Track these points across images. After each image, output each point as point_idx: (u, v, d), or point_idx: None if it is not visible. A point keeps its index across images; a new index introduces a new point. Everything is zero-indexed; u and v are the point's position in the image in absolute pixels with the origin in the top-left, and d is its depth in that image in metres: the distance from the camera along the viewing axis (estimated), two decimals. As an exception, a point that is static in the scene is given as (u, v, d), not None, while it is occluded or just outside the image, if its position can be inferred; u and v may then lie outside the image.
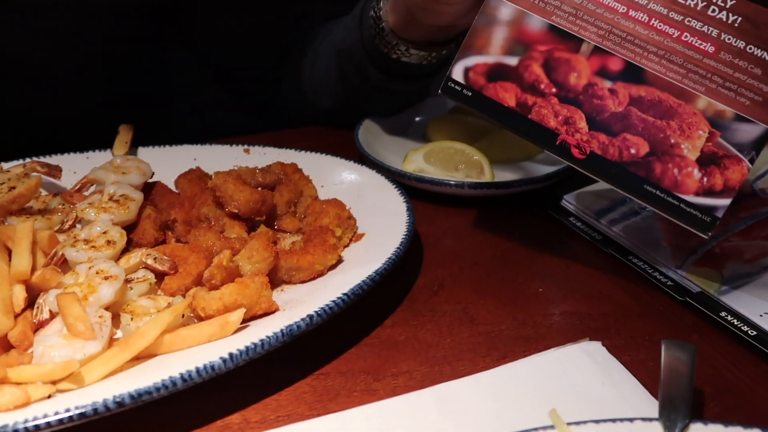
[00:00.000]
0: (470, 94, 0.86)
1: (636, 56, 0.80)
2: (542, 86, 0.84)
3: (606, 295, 0.86)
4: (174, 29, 1.27)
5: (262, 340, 0.69)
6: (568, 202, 1.00)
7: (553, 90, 0.83)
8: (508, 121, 0.84)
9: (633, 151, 0.79)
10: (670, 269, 0.87)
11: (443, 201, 1.05)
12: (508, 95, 0.84)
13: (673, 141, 0.78)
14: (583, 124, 0.81)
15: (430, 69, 1.14)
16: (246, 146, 1.08)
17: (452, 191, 1.02)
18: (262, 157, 1.06)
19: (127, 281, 0.78)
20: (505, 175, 1.09)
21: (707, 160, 0.77)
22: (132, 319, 0.73)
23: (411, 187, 1.02)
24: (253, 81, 1.37)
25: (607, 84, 0.81)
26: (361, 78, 1.16)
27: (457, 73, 0.87)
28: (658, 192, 0.78)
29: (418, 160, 1.09)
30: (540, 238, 0.97)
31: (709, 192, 0.77)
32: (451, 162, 1.09)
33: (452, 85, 0.87)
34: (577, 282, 0.88)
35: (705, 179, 0.77)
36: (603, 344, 0.75)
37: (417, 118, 1.26)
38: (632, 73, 0.80)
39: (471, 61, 0.87)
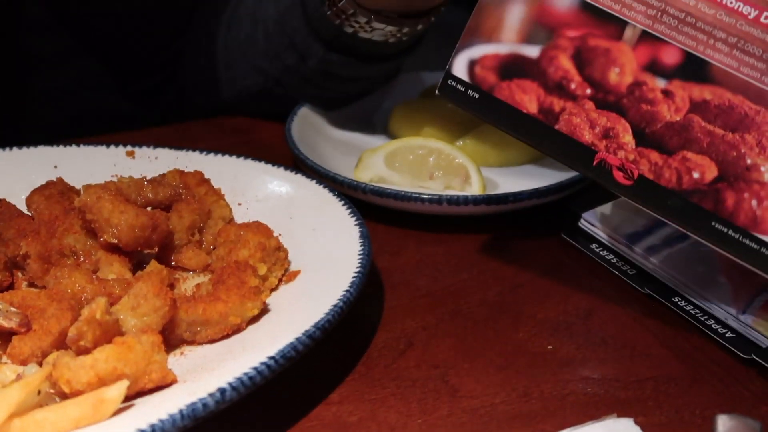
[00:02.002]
0: (477, 96, 0.89)
1: (699, 45, 0.82)
2: (573, 86, 0.87)
3: (641, 352, 0.88)
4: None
5: (152, 426, 0.70)
6: (590, 222, 1.03)
7: (588, 91, 0.86)
8: (529, 134, 0.87)
9: (696, 175, 0.81)
10: (730, 315, 0.90)
11: (413, 223, 1.07)
12: (527, 98, 0.87)
13: (749, 162, 0.80)
14: (628, 138, 0.84)
15: (399, 49, 1.16)
16: (129, 147, 1.10)
17: (425, 208, 1.05)
18: (152, 162, 1.08)
19: (-42, 344, 0.79)
20: (503, 186, 1.12)
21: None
22: (-35, 398, 0.74)
23: (367, 204, 1.05)
24: (142, 54, 1.39)
25: (661, 83, 0.84)
26: (299, 57, 1.18)
27: (460, 67, 0.90)
28: (730, 232, 0.80)
29: (377, 165, 1.12)
30: (550, 274, 0.99)
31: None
32: (423, 167, 1.12)
33: (453, 83, 0.90)
34: (602, 335, 0.91)
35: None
36: (636, 422, 0.77)
37: (376, 105, 1.28)
38: (694, 69, 0.82)
39: (477, 51, 0.90)
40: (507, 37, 0.91)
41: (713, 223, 0.81)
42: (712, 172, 0.81)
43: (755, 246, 0.79)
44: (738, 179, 0.80)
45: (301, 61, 1.19)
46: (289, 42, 1.19)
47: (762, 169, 0.80)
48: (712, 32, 0.81)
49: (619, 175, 0.83)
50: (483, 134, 1.17)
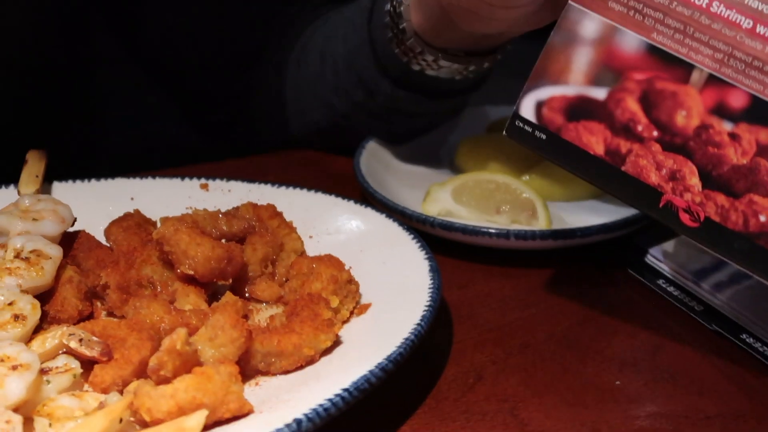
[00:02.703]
0: (544, 137, 0.90)
1: (766, 89, 0.82)
2: (640, 128, 0.88)
3: (709, 389, 0.89)
4: (103, 17, 1.32)
5: (231, 455, 0.72)
6: (656, 258, 1.04)
7: (655, 133, 0.87)
8: (595, 175, 0.88)
9: (763, 218, 0.81)
10: (801, 353, 0.90)
11: (481, 257, 1.09)
12: (594, 139, 0.88)
13: None
14: (695, 181, 0.84)
15: (465, 86, 1.18)
16: (203, 179, 1.12)
17: (493, 243, 1.07)
18: (225, 195, 1.10)
19: (43, 372, 0.81)
20: (569, 220, 1.13)
21: None
22: (50, 425, 0.76)
23: (435, 237, 1.07)
24: (212, 87, 1.42)
25: (727, 126, 0.85)
26: (367, 93, 1.21)
27: (527, 108, 0.91)
28: None
29: (445, 199, 1.13)
30: (617, 310, 1.00)
31: None
32: (491, 201, 1.13)
33: (520, 124, 0.91)
34: (670, 371, 0.91)
35: None
36: (706, 460, 0.78)
37: (442, 139, 1.30)
38: (761, 112, 0.83)
39: (545, 93, 0.91)
40: (574, 79, 0.92)
41: None
42: None
43: None
44: None
45: (370, 98, 1.21)
46: (358, 79, 1.21)
47: None
48: None
49: (685, 218, 0.84)
50: (549, 169, 1.18)
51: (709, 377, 0.90)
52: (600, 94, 0.91)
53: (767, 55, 0.82)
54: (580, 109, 0.91)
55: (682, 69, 0.86)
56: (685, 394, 0.88)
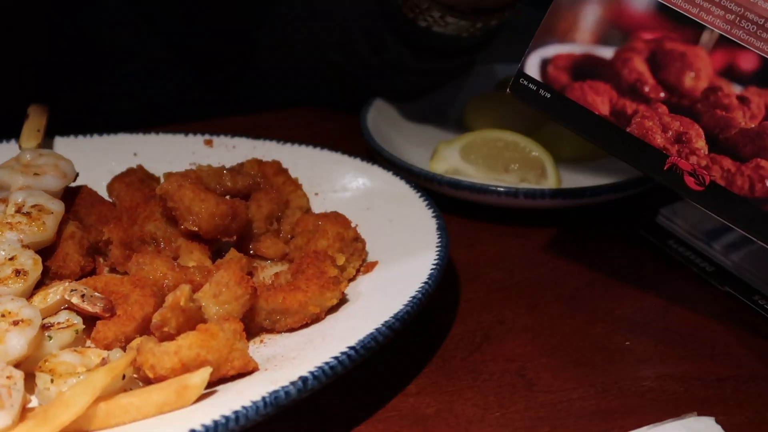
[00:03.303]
0: (548, 95, 0.89)
1: None
2: (647, 89, 0.86)
3: (721, 351, 0.88)
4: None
5: (236, 413, 0.71)
6: (667, 218, 1.03)
7: (662, 95, 0.86)
8: (599, 135, 0.87)
9: None
10: (813, 315, 0.89)
11: (488, 216, 1.07)
12: (599, 99, 0.87)
13: None
14: (701, 144, 0.83)
15: (472, 44, 1.16)
16: (207, 136, 1.11)
17: (501, 201, 1.05)
18: (230, 151, 1.09)
19: (45, 328, 0.80)
20: (578, 180, 1.12)
21: None
22: (52, 381, 0.75)
23: (443, 196, 1.05)
24: (217, 45, 1.40)
25: (736, 89, 0.83)
26: (374, 49, 1.19)
27: (532, 66, 0.90)
28: None
29: (453, 157, 1.12)
30: (627, 270, 0.99)
31: None
32: (499, 160, 1.12)
33: (525, 82, 0.90)
34: (681, 332, 0.90)
35: None
36: (717, 421, 0.77)
37: (450, 98, 1.29)
38: None
39: (551, 50, 0.90)
40: (581, 37, 0.90)
41: None
42: None
43: None
44: None
45: (375, 54, 1.20)
46: (364, 35, 1.19)
47: None
48: None
49: (690, 181, 0.83)
50: (557, 127, 1.16)
51: (720, 339, 0.89)
52: (607, 53, 0.89)
53: None
54: (586, 68, 0.89)
55: (691, 29, 0.84)
56: (696, 355, 0.87)
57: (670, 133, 0.84)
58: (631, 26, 0.88)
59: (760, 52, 0.81)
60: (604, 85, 0.88)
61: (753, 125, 0.82)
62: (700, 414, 0.78)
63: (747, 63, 0.82)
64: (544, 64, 0.90)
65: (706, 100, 0.84)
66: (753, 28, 0.81)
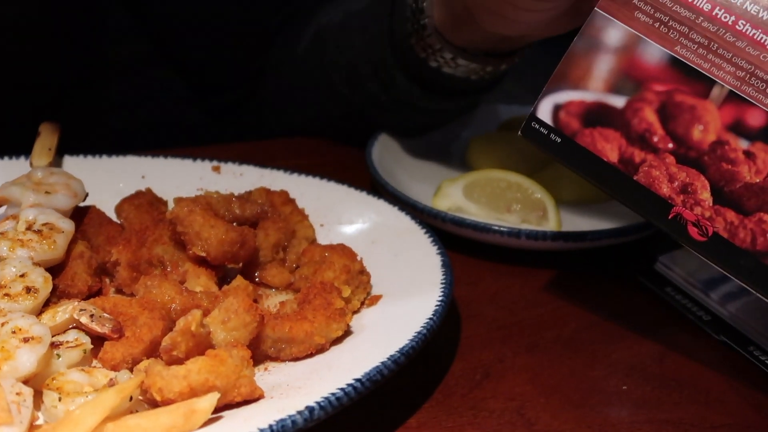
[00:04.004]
0: (559, 140, 0.90)
1: None
2: (655, 139, 0.88)
3: (716, 399, 0.89)
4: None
5: (242, 439, 0.72)
6: (666, 265, 1.04)
7: (670, 146, 0.88)
8: (607, 181, 0.88)
9: None
10: (807, 368, 0.91)
11: (490, 255, 1.09)
12: (609, 147, 0.89)
13: None
14: (706, 195, 0.85)
15: (480, 86, 1.18)
16: (216, 162, 1.12)
17: (503, 241, 1.07)
18: (237, 178, 1.10)
19: (53, 346, 0.81)
20: (578, 223, 1.14)
21: None
22: (60, 399, 0.76)
23: (445, 232, 1.07)
24: (223, 69, 1.42)
25: (743, 144, 0.85)
26: (382, 85, 1.20)
27: (544, 111, 0.92)
28: None
29: (456, 195, 1.13)
30: (625, 315, 1.00)
31: None
32: (501, 200, 1.13)
33: (536, 126, 0.91)
34: (677, 378, 0.92)
35: None
36: (713, 469, 0.78)
37: (453, 136, 1.30)
38: None
39: (563, 97, 0.92)
40: (594, 85, 0.92)
41: None
42: None
43: None
44: None
45: (383, 91, 1.21)
46: (373, 71, 1.21)
47: None
48: None
49: (693, 231, 0.84)
50: (560, 169, 1.18)
51: (715, 387, 0.91)
52: (618, 102, 0.91)
53: None
54: (597, 115, 0.91)
55: (702, 84, 0.86)
56: (691, 402, 0.89)
57: (677, 183, 0.86)
58: (644, 77, 0.90)
59: None
60: (614, 133, 0.90)
61: (758, 180, 0.84)
62: (696, 461, 0.79)
63: (755, 119, 0.84)
64: (557, 109, 0.92)
65: (713, 153, 0.86)
66: (762, 86, 0.83)
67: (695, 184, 0.85)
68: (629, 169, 0.88)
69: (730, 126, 0.86)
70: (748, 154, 0.85)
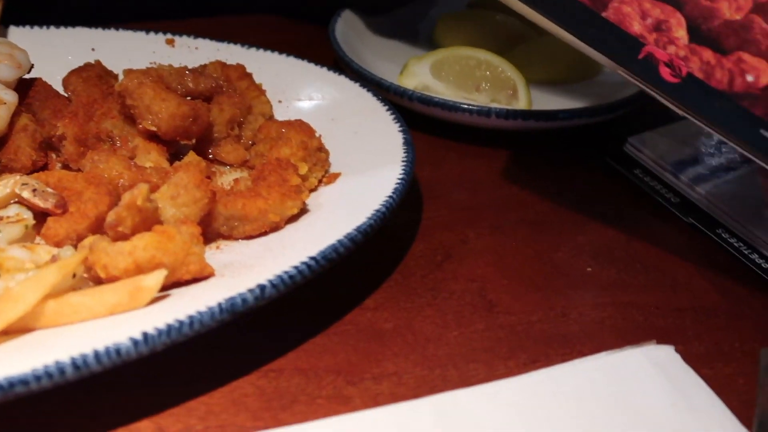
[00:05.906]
0: None
1: None
2: None
3: (682, 282, 0.88)
4: None
5: (190, 317, 0.69)
6: (635, 147, 1.02)
7: None
8: (572, 20, 0.84)
9: (750, 78, 0.79)
10: (776, 251, 0.90)
11: (457, 135, 1.06)
12: None
13: None
14: (681, 33, 0.81)
15: None
16: (169, 35, 1.08)
17: (471, 120, 1.04)
18: (192, 52, 1.06)
19: (-7, 221, 0.79)
20: (548, 102, 1.10)
21: None
22: (0, 276, 0.73)
23: (411, 111, 1.04)
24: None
25: None
26: None
27: None
28: None
29: (423, 73, 1.10)
30: (592, 197, 0.99)
31: None
32: (470, 78, 1.10)
33: None
34: (643, 262, 0.90)
35: None
36: (676, 350, 0.77)
37: (420, 13, 1.26)
38: None
39: None
40: None
41: (761, 131, 0.78)
42: (767, 77, 0.79)
43: None
44: None
45: None
46: None
47: None
48: None
49: (665, 72, 0.81)
50: (531, 47, 1.16)
51: (682, 270, 0.90)
52: None
53: None
54: None
55: None
56: (657, 285, 0.87)
57: (649, 20, 0.82)
58: None
59: None
60: None
61: (738, 17, 0.80)
62: (659, 342, 0.78)
63: None
64: None
65: None
66: None
67: (670, 21, 0.81)
68: (597, 5, 0.83)
69: None
70: None
